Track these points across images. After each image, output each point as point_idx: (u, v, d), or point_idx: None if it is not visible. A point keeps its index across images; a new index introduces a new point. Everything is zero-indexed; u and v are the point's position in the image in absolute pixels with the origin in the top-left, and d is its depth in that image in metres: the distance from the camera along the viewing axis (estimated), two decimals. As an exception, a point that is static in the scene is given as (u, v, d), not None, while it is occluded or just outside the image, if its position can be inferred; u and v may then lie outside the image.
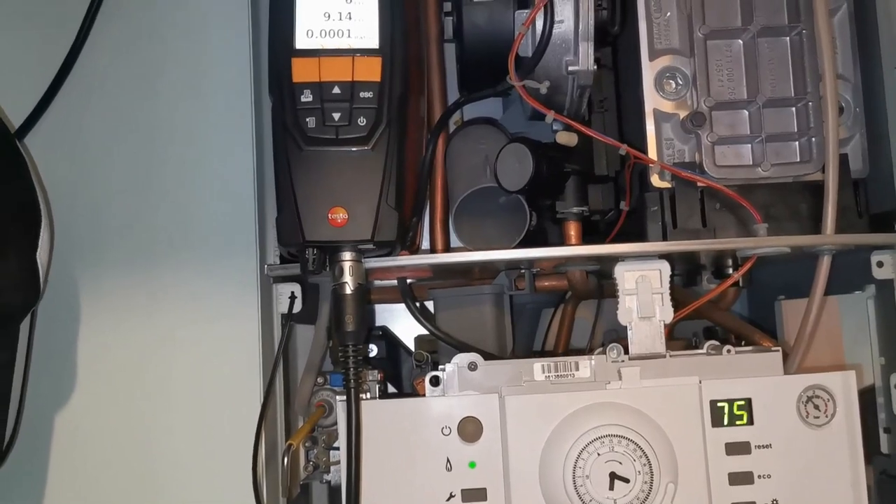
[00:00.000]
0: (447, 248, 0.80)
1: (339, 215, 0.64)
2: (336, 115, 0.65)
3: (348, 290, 0.65)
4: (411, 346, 0.94)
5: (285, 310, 0.72)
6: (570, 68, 0.74)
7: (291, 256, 0.69)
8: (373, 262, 0.68)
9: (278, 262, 0.72)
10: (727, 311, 0.85)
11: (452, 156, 0.83)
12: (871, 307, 0.75)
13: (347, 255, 0.65)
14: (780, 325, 0.90)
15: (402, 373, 0.93)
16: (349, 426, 0.63)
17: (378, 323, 0.98)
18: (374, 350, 0.91)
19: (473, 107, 0.88)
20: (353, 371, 0.64)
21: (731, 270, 0.81)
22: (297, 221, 0.64)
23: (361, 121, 0.65)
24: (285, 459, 0.64)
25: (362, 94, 0.65)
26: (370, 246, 0.65)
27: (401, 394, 0.89)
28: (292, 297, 0.72)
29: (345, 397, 0.65)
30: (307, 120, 0.64)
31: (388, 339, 0.93)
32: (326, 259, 0.66)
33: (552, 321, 0.96)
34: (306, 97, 0.65)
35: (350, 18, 0.67)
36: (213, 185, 0.74)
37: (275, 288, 0.72)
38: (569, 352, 0.94)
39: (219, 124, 0.74)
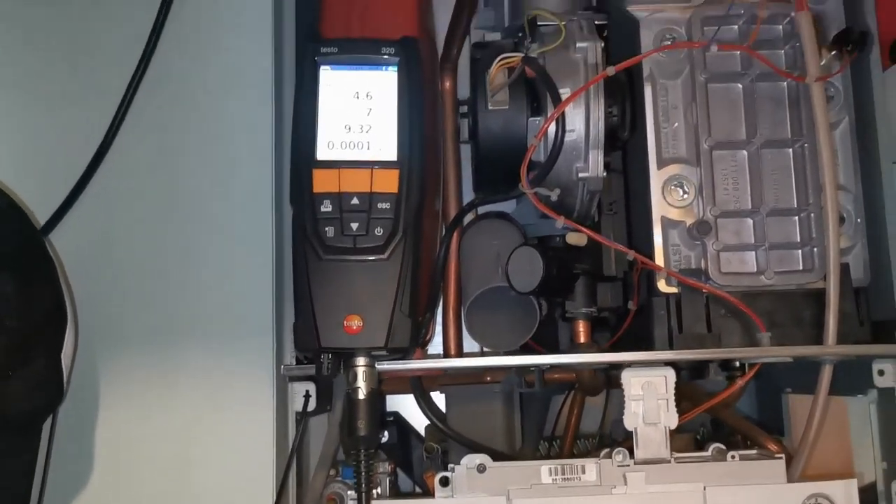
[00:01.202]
0: (459, 346, 0.82)
1: (355, 322, 0.66)
2: (354, 226, 0.67)
3: (361, 395, 0.67)
4: (422, 430, 0.95)
5: (300, 407, 0.74)
6: (581, 175, 0.77)
7: (307, 360, 0.71)
8: (386, 366, 0.70)
9: (294, 361, 0.74)
10: (732, 409, 0.87)
11: (465, 251, 0.86)
12: (873, 412, 0.77)
13: (361, 361, 0.67)
14: (787, 419, 0.92)
15: (412, 459, 0.94)
16: (360, 529, 0.65)
17: (391, 407, 0.99)
18: (385, 436, 0.93)
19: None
20: (364, 475, 0.66)
21: (737, 363, 0.82)
22: (313, 327, 0.66)
23: (378, 231, 0.67)
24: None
25: (380, 205, 0.68)
26: (384, 353, 0.67)
27: (413, 490, 0.90)
28: (307, 396, 0.74)
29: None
30: (326, 229, 0.67)
31: (400, 426, 0.94)
32: (341, 363, 0.68)
33: (562, 408, 0.98)
34: (326, 207, 0.68)
35: (370, 131, 0.70)
36: (234, 285, 0.76)
37: (290, 386, 0.74)
38: (578, 437, 0.95)
39: (241, 228, 0.76)
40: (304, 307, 0.67)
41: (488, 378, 0.86)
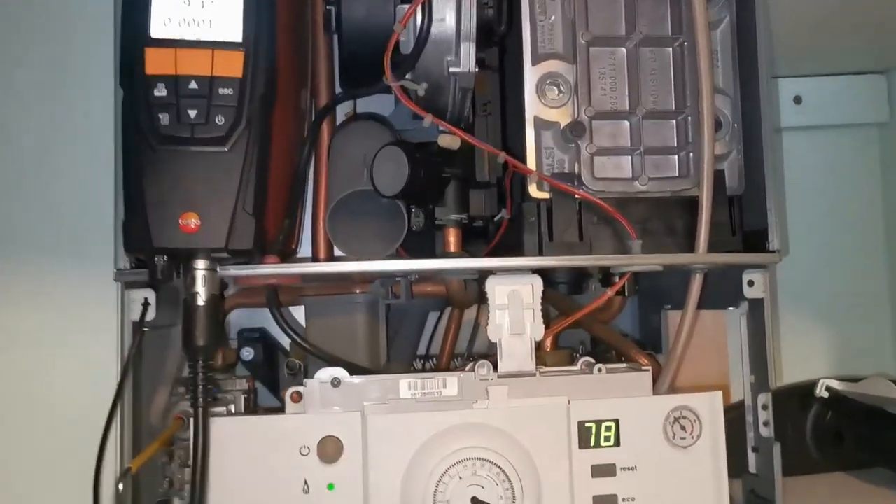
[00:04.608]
0: (330, 253, 0.77)
1: (192, 221, 0.60)
2: (192, 113, 0.60)
3: (200, 301, 0.61)
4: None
5: (137, 317, 0.67)
6: (451, 69, 0.72)
7: (140, 262, 0.65)
8: (233, 271, 0.64)
9: (129, 266, 0.67)
10: (606, 324, 0.84)
11: (334, 154, 0.80)
12: (743, 325, 0.75)
13: (201, 264, 0.61)
14: (665, 335, 0.91)
15: (279, 378, 0.89)
16: (195, 447, 0.60)
17: (257, 323, 0.93)
18: (250, 354, 0.87)
19: (364, 100, 0.84)
20: (201, 389, 0.60)
21: (617, 278, 0.79)
22: (145, 226, 0.59)
23: (219, 119, 0.61)
24: (120, 485, 0.60)
25: (221, 91, 0.61)
26: (225, 255, 0.61)
27: (279, 405, 0.85)
28: (145, 304, 0.67)
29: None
30: (160, 116, 0.60)
31: (266, 342, 0.89)
32: (180, 267, 0.62)
33: (437, 325, 0.94)
34: (160, 91, 0.60)
35: (212, 6, 0.62)
36: (72, 184, 0.70)
37: (127, 294, 0.67)
38: (457, 356, 0.92)
39: (80, 123, 0.69)
40: (136, 204, 0.60)
41: (357, 290, 0.81)
